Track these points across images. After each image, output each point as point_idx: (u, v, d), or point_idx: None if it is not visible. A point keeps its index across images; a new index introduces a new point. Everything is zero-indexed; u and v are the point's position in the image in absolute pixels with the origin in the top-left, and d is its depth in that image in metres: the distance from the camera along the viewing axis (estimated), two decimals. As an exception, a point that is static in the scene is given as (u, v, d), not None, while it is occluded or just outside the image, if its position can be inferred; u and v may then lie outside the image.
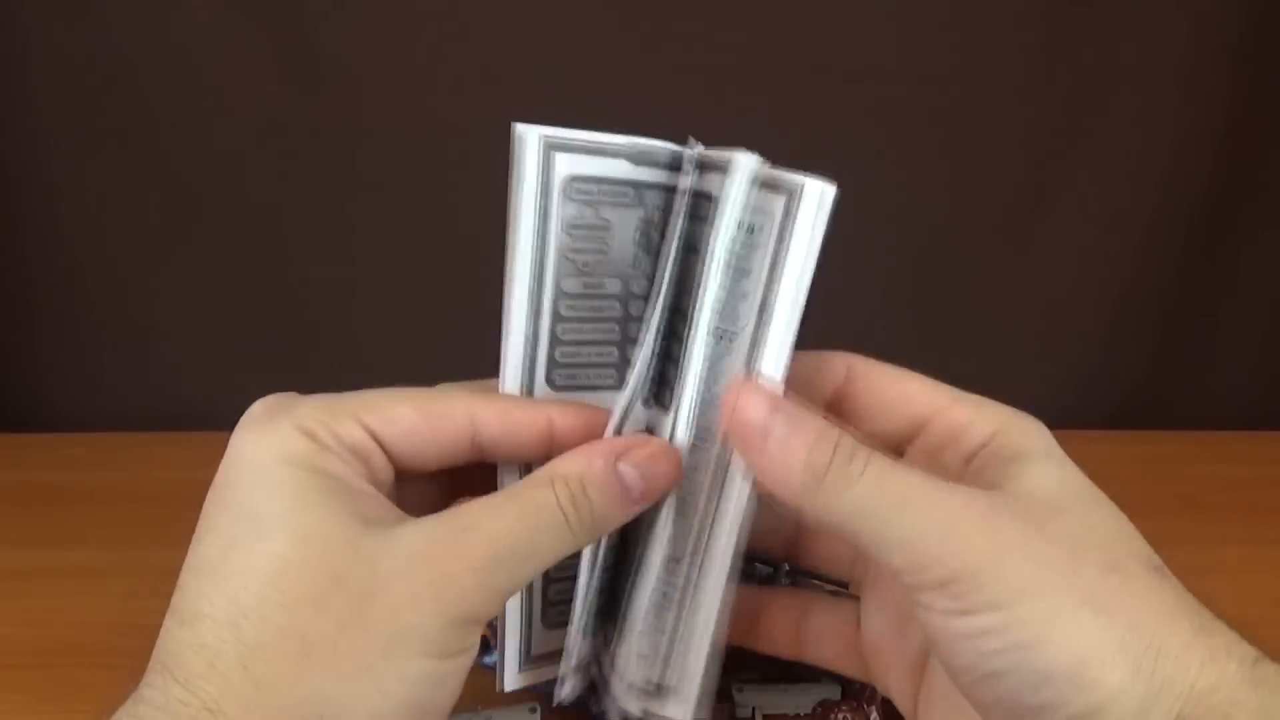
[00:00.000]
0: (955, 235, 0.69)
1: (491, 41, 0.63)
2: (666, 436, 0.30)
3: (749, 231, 0.29)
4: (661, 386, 0.32)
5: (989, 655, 0.26)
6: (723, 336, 0.30)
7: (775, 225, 0.28)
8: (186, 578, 0.26)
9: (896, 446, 0.32)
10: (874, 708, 0.40)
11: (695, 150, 0.31)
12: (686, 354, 0.30)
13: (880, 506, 0.27)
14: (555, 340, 0.31)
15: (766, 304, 0.29)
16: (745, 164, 0.28)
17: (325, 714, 0.24)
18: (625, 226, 0.32)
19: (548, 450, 0.29)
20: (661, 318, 0.31)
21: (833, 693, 0.41)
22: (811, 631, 0.35)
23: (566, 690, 0.33)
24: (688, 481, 0.31)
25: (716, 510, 0.30)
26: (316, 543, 0.25)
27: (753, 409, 0.28)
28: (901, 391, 0.31)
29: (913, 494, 0.27)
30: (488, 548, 0.26)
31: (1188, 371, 0.73)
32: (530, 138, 0.29)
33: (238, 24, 0.63)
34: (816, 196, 0.28)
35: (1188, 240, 0.70)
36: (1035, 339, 0.71)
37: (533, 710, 0.40)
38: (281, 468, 0.26)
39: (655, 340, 0.31)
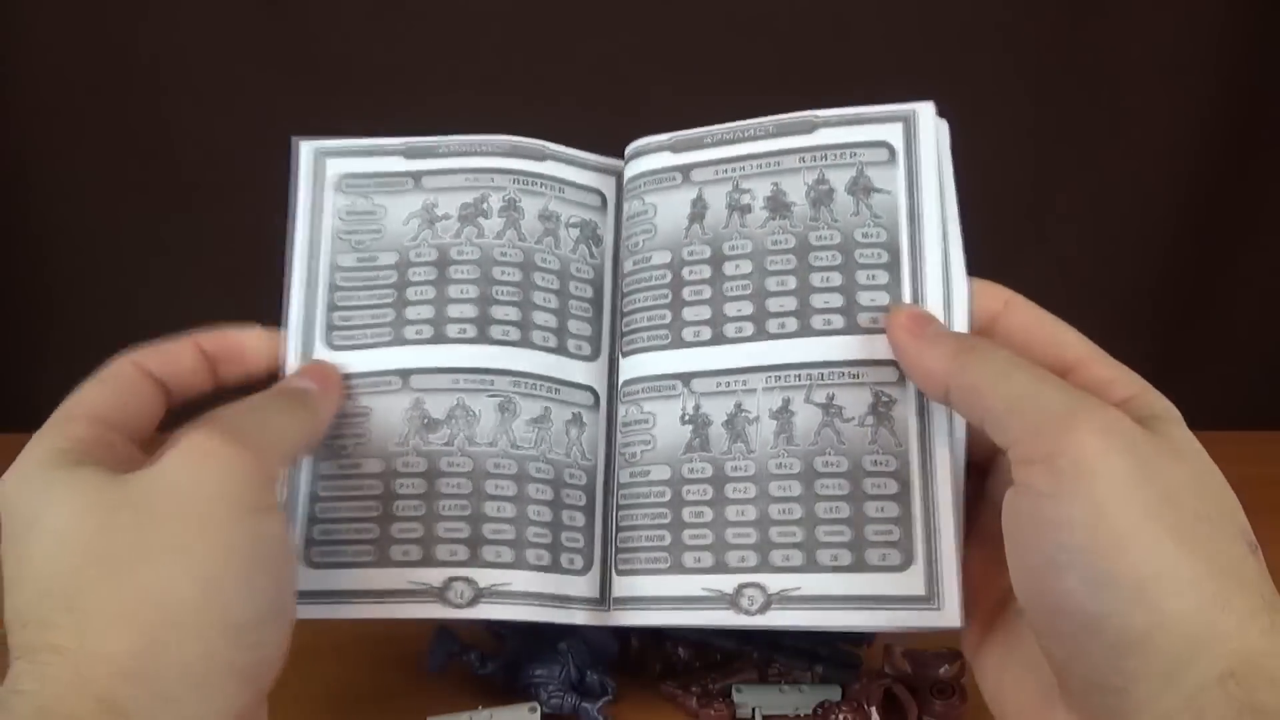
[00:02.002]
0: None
1: (492, 41, 0.63)
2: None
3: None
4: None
5: (1066, 546, 0.27)
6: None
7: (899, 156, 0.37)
8: (5, 614, 0.28)
9: None
10: (874, 708, 0.40)
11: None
12: (924, 292, 0.35)
13: (1016, 371, 0.30)
14: (332, 306, 0.38)
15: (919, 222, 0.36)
16: (929, 113, 0.37)
17: (161, 599, 0.27)
18: (400, 209, 0.39)
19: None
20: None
21: (833, 693, 0.41)
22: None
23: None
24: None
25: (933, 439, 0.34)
26: (81, 498, 0.28)
27: (910, 318, 0.34)
28: (1054, 334, 0.34)
29: (1048, 374, 0.30)
30: (216, 419, 0.31)
31: (1188, 371, 0.73)
32: (306, 151, 0.40)
33: (236, 25, 0.63)
34: (927, 122, 0.37)
35: (1187, 240, 0.70)
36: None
37: (533, 710, 0.40)
38: (25, 484, 0.30)
39: (328, 291, 0.38)
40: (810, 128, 0.38)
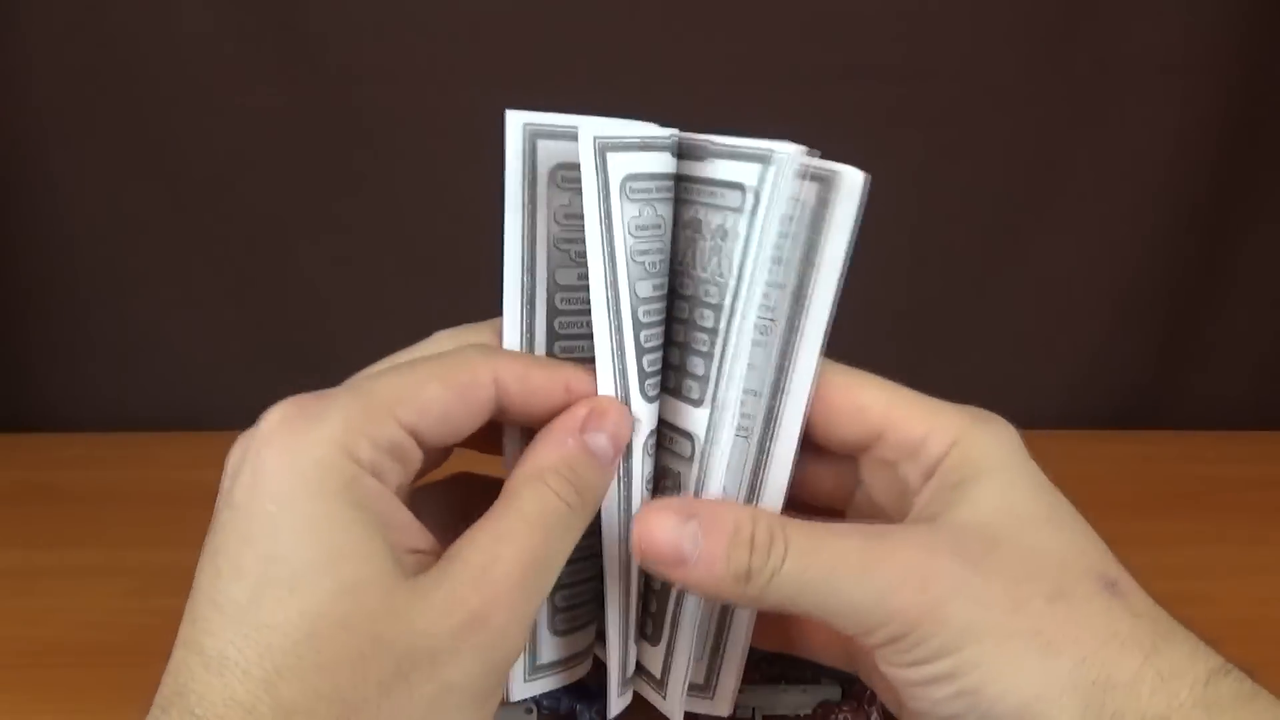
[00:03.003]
0: (955, 235, 0.69)
1: (492, 41, 0.63)
2: (703, 432, 0.30)
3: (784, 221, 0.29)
4: (676, 375, 0.31)
5: (941, 701, 0.26)
6: (763, 330, 0.30)
7: (809, 213, 0.28)
8: (207, 613, 0.24)
9: (853, 453, 0.31)
10: (874, 708, 0.40)
11: (699, 137, 0.30)
12: (725, 348, 0.29)
13: (812, 584, 0.27)
14: (641, 349, 0.30)
15: (802, 293, 0.29)
16: (791, 157, 0.27)
17: None
18: (671, 222, 0.30)
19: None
20: (641, 305, 0.30)
21: (833, 693, 0.41)
22: (797, 625, 0.35)
23: (621, 703, 0.33)
24: (731, 475, 0.30)
25: (759, 503, 0.31)
26: (355, 599, 0.24)
27: (660, 534, 0.27)
28: (855, 401, 0.30)
29: (841, 563, 0.27)
30: (514, 576, 0.25)
31: (1188, 371, 0.73)
32: (585, 136, 0.27)
33: (236, 25, 0.63)
34: (853, 185, 0.28)
35: (1187, 240, 0.70)
36: (1035, 339, 0.71)
37: (529, 711, 0.40)
38: (313, 503, 0.24)
39: (634, 329, 0.29)
40: (703, 155, 0.30)
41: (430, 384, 0.27)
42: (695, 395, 0.30)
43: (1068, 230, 0.69)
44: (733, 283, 0.29)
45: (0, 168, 0.66)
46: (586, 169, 0.28)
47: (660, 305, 0.30)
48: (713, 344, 0.29)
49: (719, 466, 0.30)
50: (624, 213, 0.29)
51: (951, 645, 0.26)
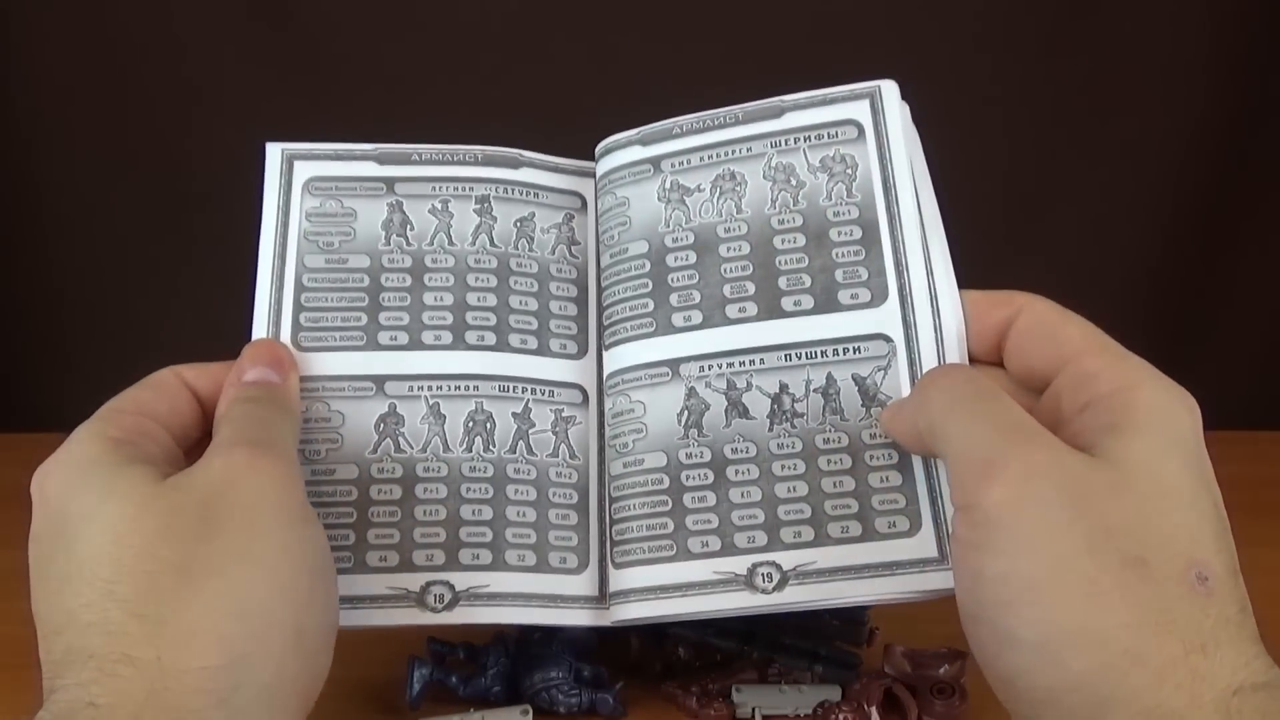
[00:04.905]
0: (952, 237, 0.69)
1: (492, 40, 0.63)
2: (898, 327, 0.35)
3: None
4: (805, 294, 0.37)
5: (980, 600, 0.27)
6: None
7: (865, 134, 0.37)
8: (36, 608, 0.28)
9: (1037, 384, 0.32)
10: (874, 708, 0.40)
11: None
12: (891, 247, 0.36)
13: (958, 407, 0.29)
14: (299, 306, 0.38)
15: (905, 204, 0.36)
16: (894, 87, 0.37)
17: (242, 610, 0.26)
18: (371, 213, 0.39)
19: None
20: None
21: (833, 693, 0.41)
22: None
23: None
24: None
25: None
26: (137, 497, 0.28)
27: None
28: (1054, 330, 0.32)
29: (993, 408, 0.28)
30: (242, 432, 0.31)
31: (1188, 371, 0.73)
32: (273, 150, 0.39)
33: (236, 26, 0.63)
34: (892, 93, 0.37)
35: (1188, 240, 0.70)
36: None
37: (525, 712, 0.39)
38: (75, 477, 0.29)
39: (295, 290, 0.38)
40: (778, 112, 0.38)
41: (132, 389, 0.33)
42: (864, 299, 0.36)
43: (1066, 232, 0.69)
44: (878, 194, 0.36)
45: (1, 167, 0.66)
46: (272, 172, 0.39)
47: (332, 277, 0.38)
48: (869, 251, 0.36)
49: (930, 356, 0.35)
50: (303, 203, 0.39)
51: (1007, 550, 0.26)
